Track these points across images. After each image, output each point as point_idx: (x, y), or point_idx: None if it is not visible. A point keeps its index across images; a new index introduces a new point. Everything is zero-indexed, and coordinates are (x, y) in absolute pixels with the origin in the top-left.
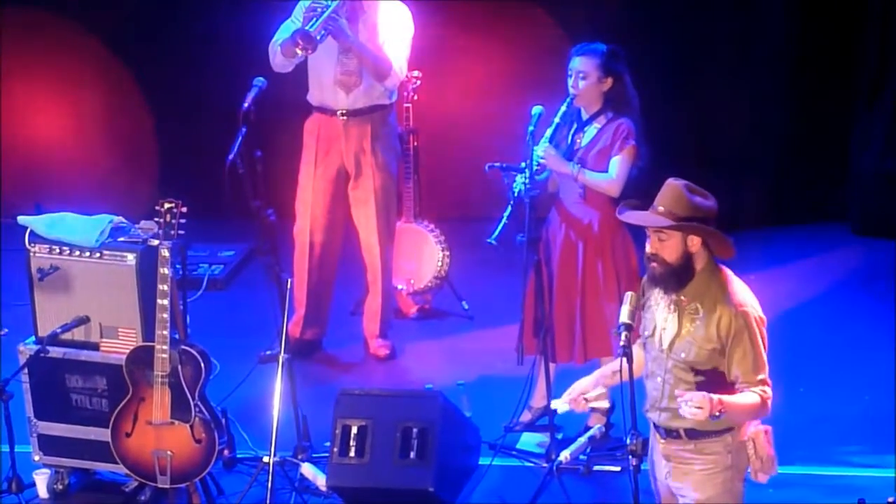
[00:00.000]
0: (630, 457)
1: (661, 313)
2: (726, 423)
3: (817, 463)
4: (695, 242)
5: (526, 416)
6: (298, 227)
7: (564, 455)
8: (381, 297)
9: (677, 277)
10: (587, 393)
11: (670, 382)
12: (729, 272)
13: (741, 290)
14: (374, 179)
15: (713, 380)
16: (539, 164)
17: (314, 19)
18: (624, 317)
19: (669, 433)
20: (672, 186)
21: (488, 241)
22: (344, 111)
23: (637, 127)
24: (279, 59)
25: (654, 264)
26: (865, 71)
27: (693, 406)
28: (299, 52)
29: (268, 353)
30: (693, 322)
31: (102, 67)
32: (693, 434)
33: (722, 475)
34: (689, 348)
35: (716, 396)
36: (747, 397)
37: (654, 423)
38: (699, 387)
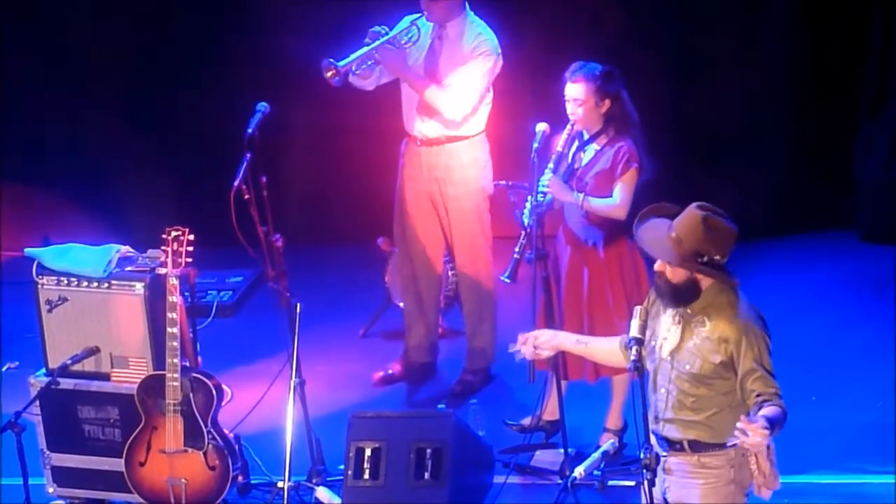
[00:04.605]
0: (644, 470)
1: (666, 323)
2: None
3: (830, 471)
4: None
5: (527, 421)
6: (399, 256)
7: (579, 471)
8: (490, 315)
9: (681, 297)
10: (540, 340)
11: (674, 393)
12: (737, 290)
13: (749, 308)
14: (464, 198)
15: (716, 391)
16: (543, 194)
17: (362, 47)
18: (634, 331)
19: (673, 445)
20: (693, 216)
21: (502, 278)
22: (425, 137)
23: (638, 143)
24: (355, 80)
25: (660, 281)
26: (869, 78)
27: (756, 436)
28: (328, 76)
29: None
30: (699, 334)
31: (103, 97)
32: (697, 447)
33: (724, 490)
34: (693, 360)
35: (761, 418)
36: (776, 411)
37: (658, 436)
38: (702, 399)
